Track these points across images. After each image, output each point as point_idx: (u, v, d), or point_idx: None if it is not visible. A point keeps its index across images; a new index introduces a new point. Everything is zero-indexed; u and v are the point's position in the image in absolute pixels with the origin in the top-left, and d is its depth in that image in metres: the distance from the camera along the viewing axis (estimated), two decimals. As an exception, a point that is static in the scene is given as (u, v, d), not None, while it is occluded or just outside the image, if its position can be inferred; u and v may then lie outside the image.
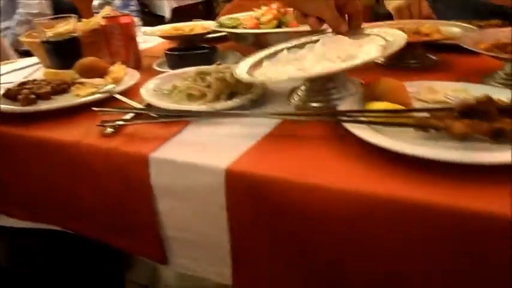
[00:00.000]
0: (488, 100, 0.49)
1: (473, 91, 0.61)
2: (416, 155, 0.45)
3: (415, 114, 0.54)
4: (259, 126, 0.59)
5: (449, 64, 0.86)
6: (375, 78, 0.60)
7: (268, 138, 0.57)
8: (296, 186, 0.46)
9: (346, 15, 0.69)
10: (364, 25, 0.73)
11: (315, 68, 0.61)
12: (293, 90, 0.71)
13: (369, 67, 0.68)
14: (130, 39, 0.94)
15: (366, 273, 0.47)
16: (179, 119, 0.62)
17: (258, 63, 0.69)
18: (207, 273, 0.57)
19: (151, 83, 0.76)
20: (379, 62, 0.86)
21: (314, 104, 0.66)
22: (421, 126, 0.50)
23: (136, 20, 1.09)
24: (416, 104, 0.61)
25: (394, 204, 0.42)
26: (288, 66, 0.64)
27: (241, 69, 0.66)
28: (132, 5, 1.25)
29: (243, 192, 0.49)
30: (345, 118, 0.54)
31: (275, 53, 0.71)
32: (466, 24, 0.94)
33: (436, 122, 0.50)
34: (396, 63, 0.85)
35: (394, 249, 0.44)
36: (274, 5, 0.93)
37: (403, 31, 0.97)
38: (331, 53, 0.63)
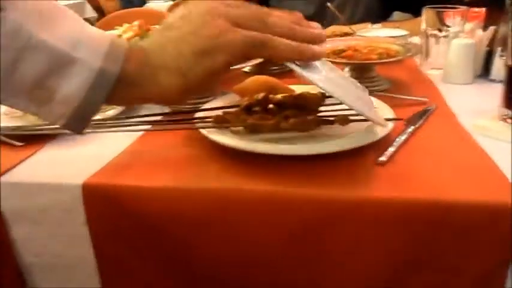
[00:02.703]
0: (263, 97, 0.56)
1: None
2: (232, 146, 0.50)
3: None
4: (122, 139, 0.60)
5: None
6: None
7: (129, 149, 0.57)
8: (151, 191, 0.48)
9: None
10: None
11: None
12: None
13: (237, 75, 0.76)
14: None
15: (231, 268, 0.49)
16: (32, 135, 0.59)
17: None
18: (76, 295, 0.55)
19: (2, 106, 0.70)
20: (246, 70, 0.92)
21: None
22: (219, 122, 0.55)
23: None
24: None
25: (239, 197, 0.46)
26: None
27: None
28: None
29: (102, 205, 0.49)
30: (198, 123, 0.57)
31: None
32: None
33: (229, 117, 0.55)
34: (259, 71, 0.92)
35: (247, 237, 0.47)
36: (136, 22, 0.94)
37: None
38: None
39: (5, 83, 0.34)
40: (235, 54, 0.39)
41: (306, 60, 0.42)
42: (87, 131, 0.61)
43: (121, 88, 0.37)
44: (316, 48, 0.42)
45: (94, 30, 0.38)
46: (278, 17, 0.42)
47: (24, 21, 0.34)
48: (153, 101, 0.43)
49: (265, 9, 0.42)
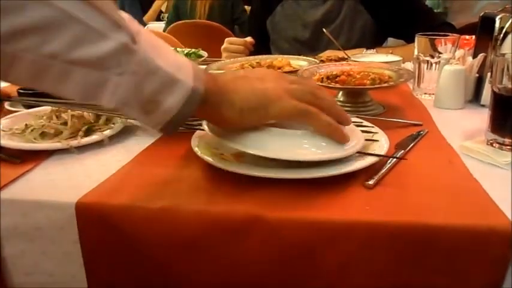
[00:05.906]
0: None
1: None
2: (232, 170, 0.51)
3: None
4: (117, 158, 0.61)
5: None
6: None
7: (124, 169, 0.58)
8: (144, 211, 0.48)
9: None
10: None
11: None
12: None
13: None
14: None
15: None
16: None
17: None
18: (65, 315, 0.55)
19: (2, 123, 0.71)
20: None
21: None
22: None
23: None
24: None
25: (230, 219, 0.47)
26: None
27: None
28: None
29: (96, 223, 0.49)
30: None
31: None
32: (311, 58, 1.09)
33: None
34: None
35: (238, 259, 0.48)
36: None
37: (260, 64, 1.08)
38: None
39: (132, 98, 0.42)
40: (284, 117, 0.51)
41: (335, 139, 0.52)
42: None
43: (201, 104, 0.46)
44: (346, 134, 0.53)
45: (179, 56, 0.47)
46: (325, 92, 0.55)
47: (147, 51, 0.42)
48: (213, 121, 0.53)
49: (316, 85, 0.57)
